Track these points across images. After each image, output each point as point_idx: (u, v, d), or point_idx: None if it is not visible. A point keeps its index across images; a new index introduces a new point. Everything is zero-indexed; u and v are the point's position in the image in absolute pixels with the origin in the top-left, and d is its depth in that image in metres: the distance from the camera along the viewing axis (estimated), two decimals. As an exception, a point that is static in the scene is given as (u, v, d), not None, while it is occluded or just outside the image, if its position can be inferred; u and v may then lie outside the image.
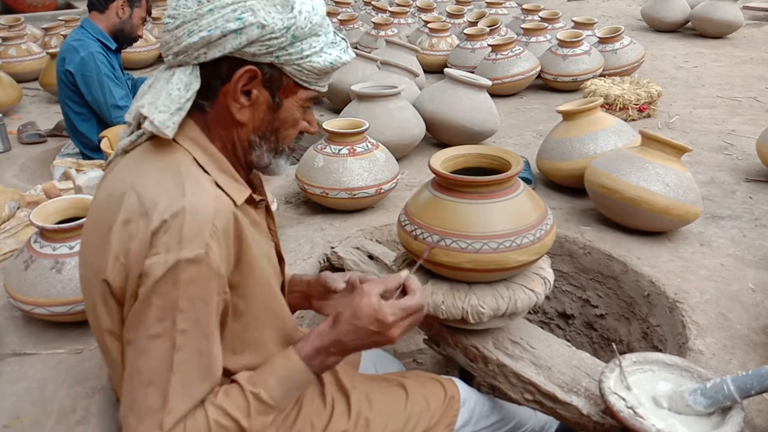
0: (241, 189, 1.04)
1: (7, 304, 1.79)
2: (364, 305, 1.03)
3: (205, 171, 0.99)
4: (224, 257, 0.94)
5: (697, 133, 3.18)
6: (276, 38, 0.95)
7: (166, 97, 0.97)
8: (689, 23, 5.73)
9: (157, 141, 1.00)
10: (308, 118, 1.12)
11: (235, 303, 1.02)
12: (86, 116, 2.99)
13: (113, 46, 2.95)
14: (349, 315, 1.03)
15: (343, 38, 1.07)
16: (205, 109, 1.01)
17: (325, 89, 1.10)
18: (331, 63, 1.02)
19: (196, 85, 0.98)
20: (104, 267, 0.93)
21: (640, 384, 1.35)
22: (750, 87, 4.05)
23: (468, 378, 1.75)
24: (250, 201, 1.09)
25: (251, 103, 1.01)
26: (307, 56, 0.99)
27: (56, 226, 1.61)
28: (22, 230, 2.21)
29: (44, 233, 1.63)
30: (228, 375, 1.06)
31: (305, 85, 1.04)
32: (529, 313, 2.32)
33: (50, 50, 4.25)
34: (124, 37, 2.98)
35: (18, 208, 2.33)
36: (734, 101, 3.74)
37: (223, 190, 0.99)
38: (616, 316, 2.05)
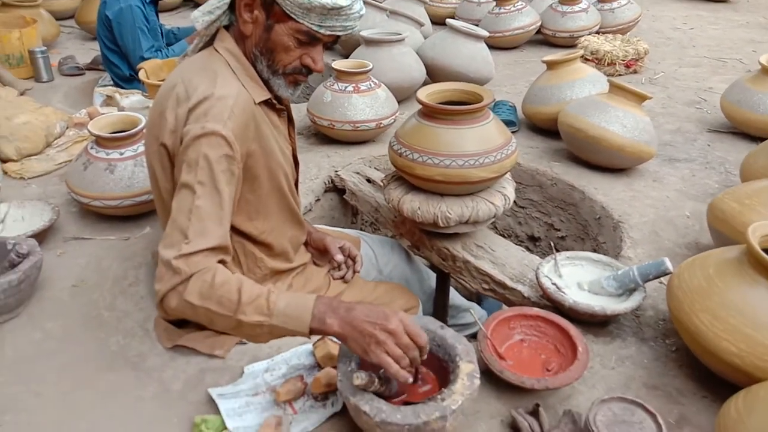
0: (262, 92, 1.35)
1: (66, 201, 2.16)
2: (389, 312, 1.07)
3: (235, 73, 1.31)
4: (239, 136, 1.23)
5: (676, 89, 3.45)
6: None
7: (208, 3, 1.31)
8: (695, -15, 5.88)
9: (206, 50, 1.35)
10: (312, 55, 1.30)
11: (252, 177, 1.34)
12: (120, 54, 3.31)
13: None
14: (367, 308, 1.09)
15: None
16: (234, 24, 1.33)
17: (320, 30, 1.23)
18: None
19: None
20: (162, 136, 1.27)
21: (570, 274, 1.70)
22: (738, 49, 4.26)
23: (442, 276, 2.12)
24: (271, 107, 1.40)
25: (253, 20, 1.28)
26: None
27: (110, 134, 1.96)
28: (72, 146, 2.57)
29: (99, 141, 1.98)
30: (246, 237, 1.42)
31: (293, 16, 1.22)
32: (503, 236, 2.67)
33: (86, -10, 4.50)
34: None
35: (67, 128, 2.69)
36: (719, 61, 3.98)
37: (246, 90, 1.31)
38: (574, 238, 2.40)
